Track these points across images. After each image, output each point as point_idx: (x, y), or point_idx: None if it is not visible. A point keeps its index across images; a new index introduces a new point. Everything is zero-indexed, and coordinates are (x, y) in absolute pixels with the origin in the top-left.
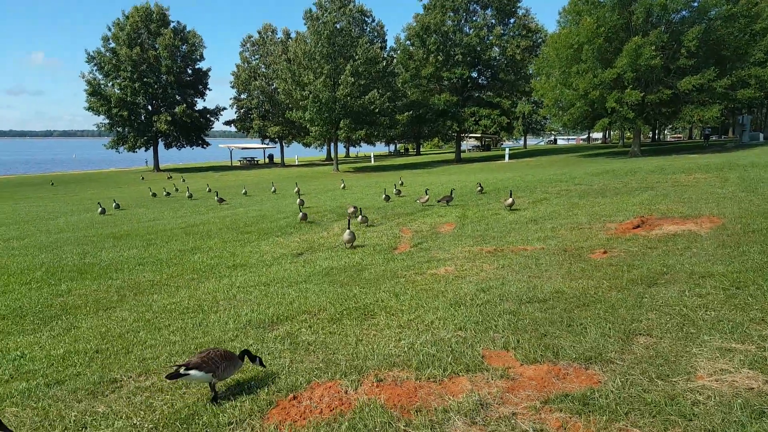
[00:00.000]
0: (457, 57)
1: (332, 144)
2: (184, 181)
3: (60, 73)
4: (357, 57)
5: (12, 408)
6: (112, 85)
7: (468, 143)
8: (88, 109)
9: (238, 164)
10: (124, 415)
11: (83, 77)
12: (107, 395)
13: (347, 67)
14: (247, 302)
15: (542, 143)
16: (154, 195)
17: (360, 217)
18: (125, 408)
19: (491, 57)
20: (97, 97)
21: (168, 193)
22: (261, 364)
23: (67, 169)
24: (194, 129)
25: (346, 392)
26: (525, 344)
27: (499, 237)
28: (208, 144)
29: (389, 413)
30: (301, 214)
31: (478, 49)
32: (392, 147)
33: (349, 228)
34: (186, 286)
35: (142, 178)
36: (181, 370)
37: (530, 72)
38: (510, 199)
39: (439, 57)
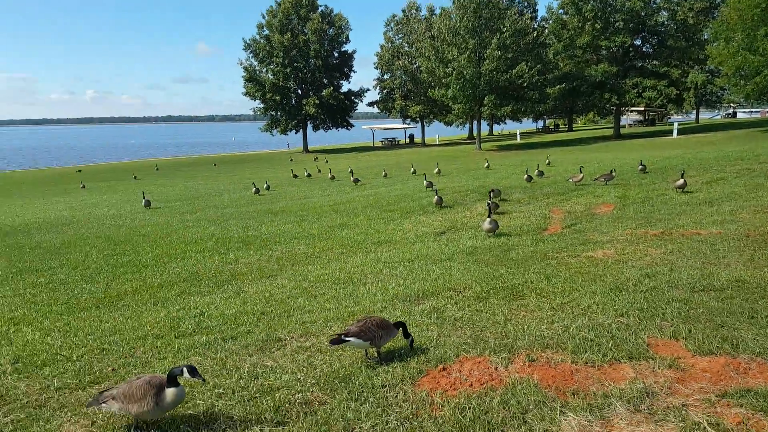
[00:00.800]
0: (617, 24)
1: (475, 122)
2: (327, 162)
3: (221, 61)
4: (504, 29)
5: (196, 357)
6: (266, 71)
7: (629, 117)
8: (245, 94)
9: (380, 145)
10: (289, 370)
11: (240, 64)
12: (274, 352)
13: (493, 41)
14: (393, 277)
15: (718, 117)
16: (296, 176)
17: (490, 202)
18: (290, 364)
19: (658, 22)
20: (253, 83)
21: (309, 174)
22: (411, 345)
23: (228, 150)
24: (340, 111)
25: (496, 369)
26: (698, 334)
27: (666, 219)
28: (352, 125)
29: (543, 393)
30: (436, 197)
31: (643, 14)
32: (540, 123)
33: (489, 216)
34: (336, 259)
35: (291, 160)
36: (343, 337)
37: (705, 37)
38: (681, 180)
39: (596, 25)
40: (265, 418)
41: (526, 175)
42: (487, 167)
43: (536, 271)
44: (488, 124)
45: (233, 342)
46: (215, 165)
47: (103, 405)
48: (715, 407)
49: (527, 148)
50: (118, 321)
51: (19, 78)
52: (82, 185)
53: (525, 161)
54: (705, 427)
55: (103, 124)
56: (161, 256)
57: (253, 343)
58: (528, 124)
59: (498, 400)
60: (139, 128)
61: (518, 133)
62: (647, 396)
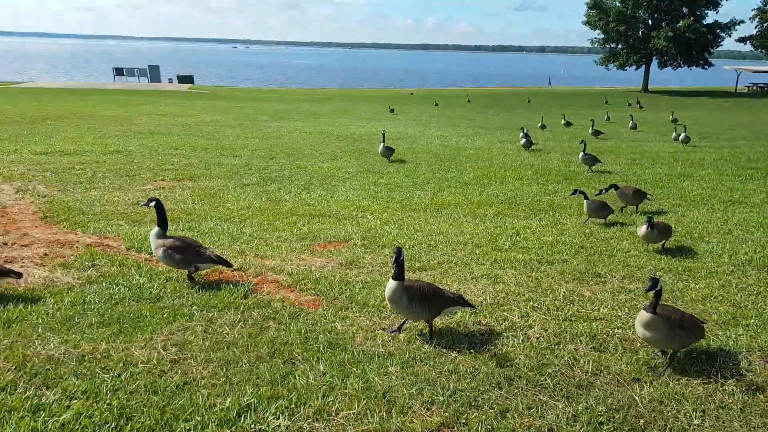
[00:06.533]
0: None
1: None
2: (641, 107)
3: None
4: None
5: (511, 271)
6: None
7: None
8: (586, 23)
9: (745, 90)
10: (608, 305)
11: None
12: (591, 285)
13: None
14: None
15: None
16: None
17: None
18: (609, 300)
19: None
20: (596, 11)
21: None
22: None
23: (549, 84)
24: (698, 46)
25: None
26: None
27: None
28: (710, 64)
29: None
30: None
31: None
32: None
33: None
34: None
35: (606, 101)
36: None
37: None
38: None
39: None
40: (580, 340)
41: None
42: None
43: None
44: None
45: (548, 266)
46: (528, 101)
47: None
48: None
49: None
50: (442, 225)
51: (375, 3)
52: (391, 110)
53: None
54: None
55: (438, 51)
56: (481, 177)
57: (570, 272)
58: None
59: None
60: (468, 56)
61: None
62: None
